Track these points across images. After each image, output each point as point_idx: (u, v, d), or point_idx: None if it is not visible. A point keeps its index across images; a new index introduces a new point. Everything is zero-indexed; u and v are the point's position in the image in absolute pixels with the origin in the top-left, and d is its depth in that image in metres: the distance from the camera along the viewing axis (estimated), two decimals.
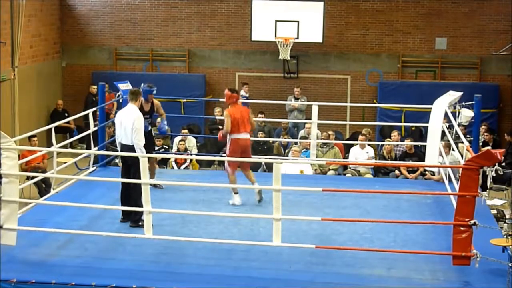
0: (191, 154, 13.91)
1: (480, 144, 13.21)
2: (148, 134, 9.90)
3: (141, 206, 7.77)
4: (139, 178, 7.62)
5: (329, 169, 13.36)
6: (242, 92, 16.60)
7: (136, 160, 7.97)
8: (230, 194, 9.57)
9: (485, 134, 14.70)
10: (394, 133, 14.06)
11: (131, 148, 8.57)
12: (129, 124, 8.59)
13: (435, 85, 16.49)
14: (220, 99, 10.71)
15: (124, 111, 8.85)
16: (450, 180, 10.05)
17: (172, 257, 7.66)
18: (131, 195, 8.39)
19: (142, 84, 10.03)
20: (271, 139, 14.64)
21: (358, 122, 16.83)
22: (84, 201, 9.22)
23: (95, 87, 16.88)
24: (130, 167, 8.47)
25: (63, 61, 18.45)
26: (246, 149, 9.57)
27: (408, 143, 13.20)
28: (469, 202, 6.94)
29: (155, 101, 10.24)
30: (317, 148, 12.67)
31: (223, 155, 10.69)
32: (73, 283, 6.96)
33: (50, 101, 17.48)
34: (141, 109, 9.79)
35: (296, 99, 16.66)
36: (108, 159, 11.68)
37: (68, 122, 15.37)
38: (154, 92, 10.02)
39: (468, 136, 12.09)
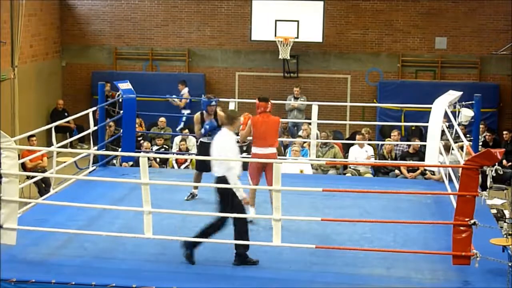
0: (191, 154, 13.89)
1: (480, 144, 13.20)
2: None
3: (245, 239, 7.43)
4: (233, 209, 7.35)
5: (330, 168, 13.36)
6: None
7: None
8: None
9: (487, 134, 14.72)
10: (394, 133, 14.06)
11: None
12: None
13: (435, 85, 16.47)
14: (220, 99, 10.67)
15: None
16: (450, 180, 10.05)
17: (171, 257, 7.65)
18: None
19: (203, 96, 9.57)
20: None
21: (358, 121, 16.82)
22: (84, 200, 9.17)
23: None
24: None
25: (63, 60, 18.45)
26: (263, 165, 8.56)
27: (412, 142, 13.16)
28: (469, 201, 6.93)
29: (219, 113, 9.41)
30: (316, 149, 12.66)
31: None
32: (73, 283, 6.95)
33: (50, 101, 17.48)
34: (202, 122, 9.43)
35: (296, 98, 16.65)
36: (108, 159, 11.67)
37: (68, 122, 15.36)
38: (214, 103, 9.32)
39: (468, 135, 12.09)
